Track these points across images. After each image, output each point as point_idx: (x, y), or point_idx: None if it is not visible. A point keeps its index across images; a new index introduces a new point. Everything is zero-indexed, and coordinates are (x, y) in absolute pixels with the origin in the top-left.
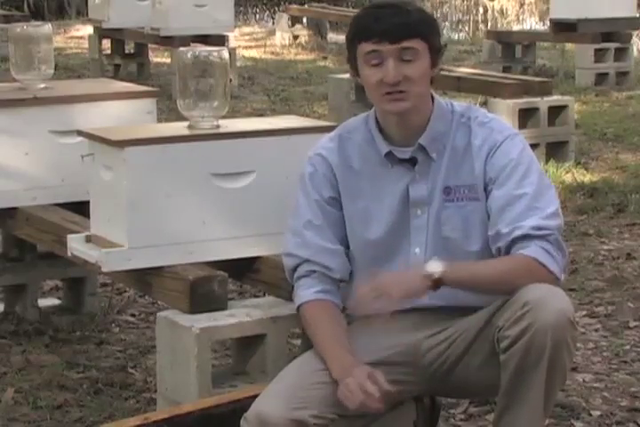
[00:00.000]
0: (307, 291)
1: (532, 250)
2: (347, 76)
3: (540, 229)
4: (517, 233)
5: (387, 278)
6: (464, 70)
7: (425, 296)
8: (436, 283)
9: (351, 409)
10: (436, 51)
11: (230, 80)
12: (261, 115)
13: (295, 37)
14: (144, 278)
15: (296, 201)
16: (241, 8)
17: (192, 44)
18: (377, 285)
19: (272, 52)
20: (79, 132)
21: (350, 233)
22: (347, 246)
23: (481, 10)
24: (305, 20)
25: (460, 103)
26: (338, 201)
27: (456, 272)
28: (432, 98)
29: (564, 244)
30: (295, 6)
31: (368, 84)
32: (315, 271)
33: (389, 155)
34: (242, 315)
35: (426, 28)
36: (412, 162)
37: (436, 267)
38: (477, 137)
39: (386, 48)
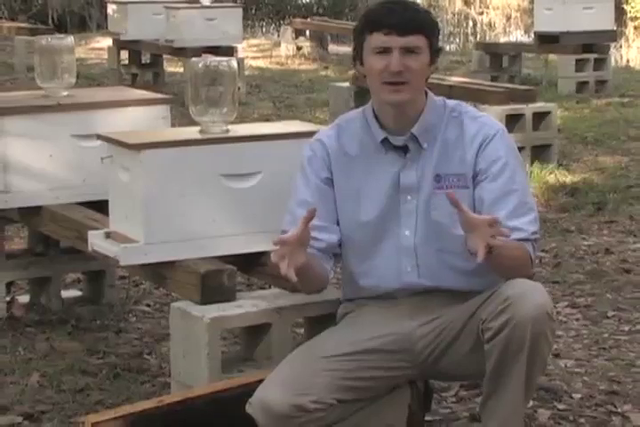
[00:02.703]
0: None
1: (529, 246)
2: (346, 84)
3: (535, 233)
4: (520, 236)
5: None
6: (455, 79)
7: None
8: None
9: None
10: (435, 50)
11: (239, 88)
12: (267, 120)
13: (299, 48)
14: (159, 272)
15: (293, 183)
16: (249, 21)
17: (203, 55)
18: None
19: (277, 62)
20: (99, 136)
21: (343, 213)
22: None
23: (470, 23)
24: (308, 32)
25: (451, 100)
26: (332, 181)
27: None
28: (426, 93)
29: None
30: (299, 20)
31: (371, 72)
32: None
33: (385, 141)
34: (249, 306)
35: (430, 27)
36: (404, 150)
37: None
38: (470, 129)
39: (394, 39)
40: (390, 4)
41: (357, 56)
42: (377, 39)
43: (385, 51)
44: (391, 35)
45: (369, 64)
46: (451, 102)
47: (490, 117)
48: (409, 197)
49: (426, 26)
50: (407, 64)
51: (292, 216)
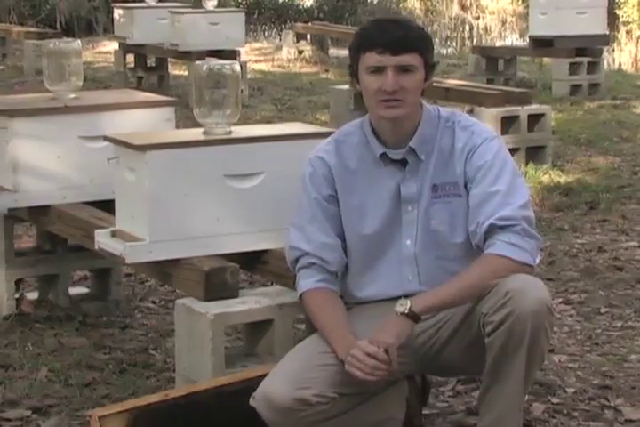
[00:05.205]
0: (307, 280)
1: (497, 247)
2: (346, 86)
3: (504, 219)
4: (485, 226)
5: (375, 339)
6: (452, 82)
7: (411, 332)
8: (414, 317)
9: (362, 378)
10: (429, 66)
11: (241, 90)
12: (269, 122)
13: (300, 52)
14: (164, 269)
15: (298, 199)
16: (251, 26)
17: (207, 58)
18: (373, 349)
19: (279, 66)
20: (105, 138)
21: (346, 227)
22: (343, 240)
23: (467, 27)
24: (309, 36)
25: (445, 109)
26: (335, 198)
27: (424, 302)
28: (421, 105)
29: (533, 230)
30: (300, 24)
31: (367, 91)
32: (314, 263)
33: (383, 155)
34: (252, 302)
35: (423, 45)
36: (402, 163)
37: (402, 305)
38: (460, 140)
39: (387, 59)
40: (383, 23)
41: (354, 73)
42: (370, 58)
43: (379, 70)
44: (384, 54)
45: (364, 83)
46: (444, 112)
47: (480, 125)
48: (410, 208)
49: (419, 43)
50: (401, 84)
51: (303, 233)
